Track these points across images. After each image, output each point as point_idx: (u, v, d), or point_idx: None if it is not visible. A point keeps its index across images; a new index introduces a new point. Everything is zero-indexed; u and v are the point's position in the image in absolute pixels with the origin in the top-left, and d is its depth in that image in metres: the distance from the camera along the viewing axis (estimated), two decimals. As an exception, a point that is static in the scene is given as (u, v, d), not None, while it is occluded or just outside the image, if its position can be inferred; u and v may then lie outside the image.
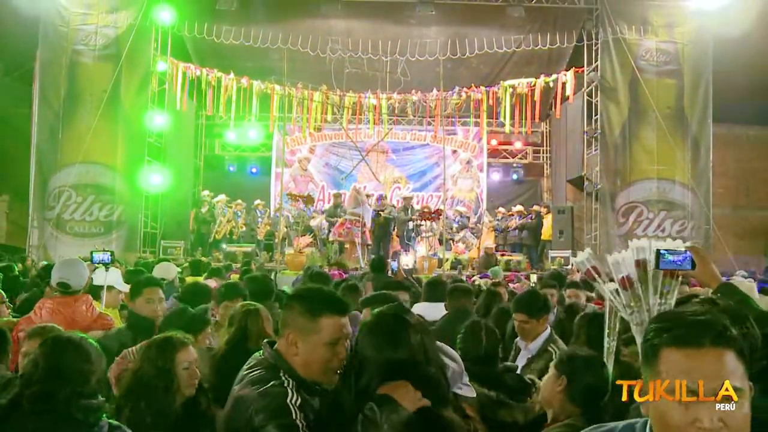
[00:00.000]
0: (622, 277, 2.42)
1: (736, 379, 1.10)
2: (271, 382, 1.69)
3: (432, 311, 3.94)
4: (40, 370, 1.84)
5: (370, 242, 11.97)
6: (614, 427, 1.32)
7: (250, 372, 1.78)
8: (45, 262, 8.40)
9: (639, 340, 2.73)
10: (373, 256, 9.44)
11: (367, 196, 12.96)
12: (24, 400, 1.78)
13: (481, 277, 8.41)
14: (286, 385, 1.69)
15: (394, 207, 13.38)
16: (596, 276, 2.57)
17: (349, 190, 15.13)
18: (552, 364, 2.25)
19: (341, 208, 12.33)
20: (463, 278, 8.02)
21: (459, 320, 3.40)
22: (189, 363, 2.33)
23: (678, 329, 1.13)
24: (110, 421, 1.86)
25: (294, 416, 1.61)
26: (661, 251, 2.11)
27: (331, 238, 11.97)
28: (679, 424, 1.11)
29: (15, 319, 3.78)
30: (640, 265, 2.34)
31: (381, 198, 13.65)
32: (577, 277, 6.96)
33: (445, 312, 3.97)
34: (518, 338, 3.31)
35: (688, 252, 2.09)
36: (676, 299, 2.30)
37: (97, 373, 1.92)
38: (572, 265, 9.40)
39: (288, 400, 1.64)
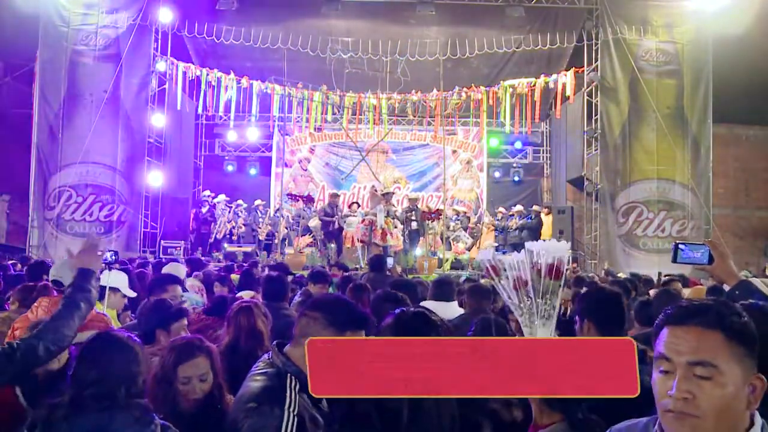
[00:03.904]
0: (517, 276, 2.36)
1: (717, 357, 1.16)
2: (271, 403, 1.75)
3: (440, 309, 3.91)
4: (95, 369, 1.85)
5: (380, 242, 11.85)
6: (637, 423, 1.39)
7: (254, 380, 1.84)
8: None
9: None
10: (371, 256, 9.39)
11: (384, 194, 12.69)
12: (87, 398, 1.80)
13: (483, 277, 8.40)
14: (287, 400, 1.76)
15: (394, 206, 13.32)
16: (496, 275, 2.57)
17: (348, 190, 15.14)
18: None
19: (338, 207, 12.28)
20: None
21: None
22: (188, 378, 2.27)
23: (676, 311, 1.25)
24: (162, 421, 1.90)
25: None
26: (679, 245, 2.05)
27: (359, 239, 11.88)
28: (660, 392, 1.21)
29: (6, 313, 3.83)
30: (534, 267, 2.30)
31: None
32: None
33: (454, 310, 3.96)
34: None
35: (705, 246, 2.03)
36: (661, 282, 2.24)
37: (143, 374, 1.95)
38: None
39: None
